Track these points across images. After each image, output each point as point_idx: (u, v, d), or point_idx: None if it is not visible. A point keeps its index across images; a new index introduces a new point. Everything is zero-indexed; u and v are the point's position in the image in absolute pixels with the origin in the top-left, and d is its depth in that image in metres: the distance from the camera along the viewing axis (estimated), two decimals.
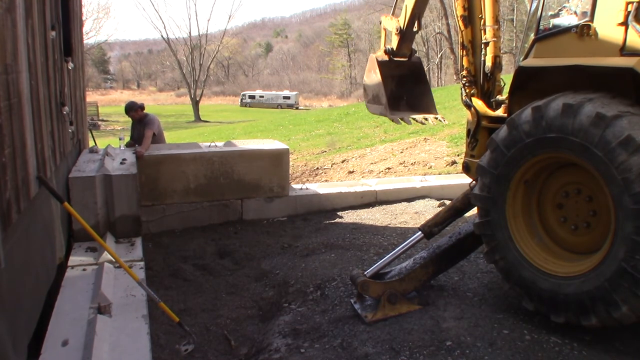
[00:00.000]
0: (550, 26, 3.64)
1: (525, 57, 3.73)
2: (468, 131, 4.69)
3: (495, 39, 4.48)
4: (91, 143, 7.43)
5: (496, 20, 4.54)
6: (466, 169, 4.63)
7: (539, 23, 3.67)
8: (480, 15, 4.59)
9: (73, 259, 4.12)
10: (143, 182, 5.70)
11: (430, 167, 9.86)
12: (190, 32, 52.60)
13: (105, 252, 3.84)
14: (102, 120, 42.86)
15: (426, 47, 54.26)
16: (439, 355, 3.19)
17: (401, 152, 11.33)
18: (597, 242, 3.25)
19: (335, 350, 3.36)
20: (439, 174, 8.77)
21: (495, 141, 3.48)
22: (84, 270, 3.88)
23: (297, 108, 55.45)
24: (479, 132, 4.48)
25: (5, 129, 2.38)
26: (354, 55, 76.51)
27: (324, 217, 6.45)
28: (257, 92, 61.45)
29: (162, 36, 51.47)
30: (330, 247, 5.21)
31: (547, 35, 3.59)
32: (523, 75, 3.67)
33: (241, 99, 60.51)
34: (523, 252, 3.47)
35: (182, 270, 4.88)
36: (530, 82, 3.68)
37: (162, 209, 6.01)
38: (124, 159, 5.51)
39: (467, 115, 4.71)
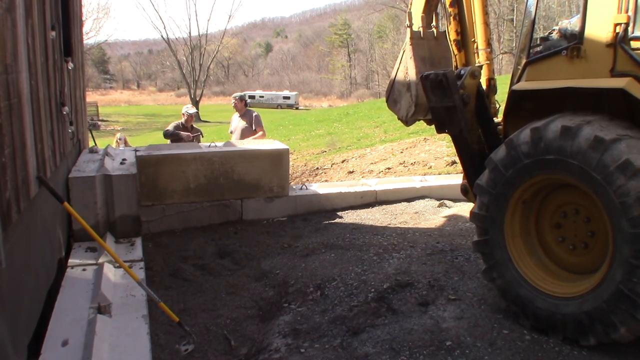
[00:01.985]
0: (541, 49, 3.67)
1: (518, 80, 3.75)
2: None
3: (488, 62, 4.55)
4: (91, 143, 7.44)
5: (488, 44, 4.63)
6: (464, 191, 4.66)
7: (529, 46, 3.69)
8: (473, 39, 4.67)
9: (73, 259, 4.12)
10: (143, 182, 5.70)
11: (430, 167, 9.86)
12: (190, 32, 52.73)
13: (105, 252, 3.84)
14: (102, 120, 42.88)
15: None
16: (439, 355, 3.19)
17: (401, 152, 11.33)
18: (595, 262, 3.28)
19: (335, 350, 3.36)
20: (439, 174, 8.77)
21: (494, 161, 3.49)
22: (84, 270, 3.88)
23: (297, 108, 55.50)
24: None
25: (5, 129, 2.38)
26: (354, 55, 76.54)
27: (324, 217, 6.45)
28: (257, 92, 61.43)
29: (162, 36, 51.58)
30: (330, 247, 5.21)
31: (538, 58, 3.61)
32: (516, 98, 3.69)
33: None
34: (521, 271, 3.48)
35: (182, 270, 4.88)
36: (523, 104, 3.70)
37: (162, 209, 6.01)
38: (124, 159, 5.51)
39: None
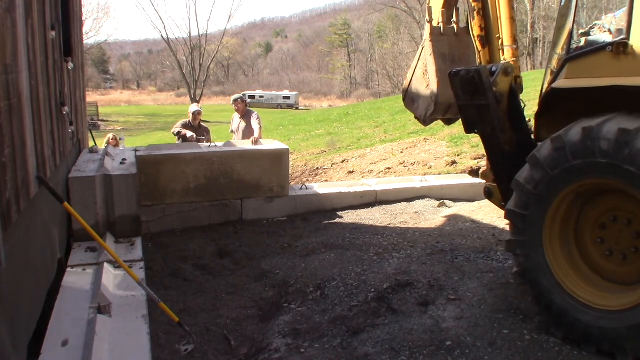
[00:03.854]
0: (583, 45, 3.48)
1: (555, 78, 3.54)
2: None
3: (514, 59, 4.29)
4: (91, 143, 7.44)
5: (514, 40, 4.38)
6: (488, 194, 4.46)
7: (570, 42, 3.49)
8: (497, 35, 4.45)
9: (73, 259, 4.12)
10: (143, 182, 5.69)
11: (430, 167, 9.86)
12: (190, 32, 52.70)
13: (105, 252, 3.84)
14: (102, 120, 42.84)
15: None
16: (439, 355, 3.19)
17: (401, 152, 11.33)
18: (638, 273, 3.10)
19: (335, 350, 3.36)
20: (439, 174, 8.77)
21: (538, 158, 3.24)
22: (84, 270, 3.88)
23: (297, 108, 55.47)
24: None
25: (5, 129, 2.38)
26: (354, 55, 76.50)
27: (323, 217, 6.45)
28: (257, 92, 61.39)
29: (162, 36, 51.53)
30: (330, 247, 5.21)
31: (580, 55, 3.39)
32: (555, 97, 3.48)
33: None
34: (558, 278, 3.28)
35: (182, 270, 4.88)
36: (559, 104, 3.51)
37: (162, 209, 6.01)
38: (124, 159, 5.51)
39: None
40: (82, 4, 9.31)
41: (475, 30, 4.58)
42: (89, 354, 2.63)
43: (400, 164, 10.40)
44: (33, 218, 3.04)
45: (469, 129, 4.14)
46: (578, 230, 3.40)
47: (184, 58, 52.24)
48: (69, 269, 3.89)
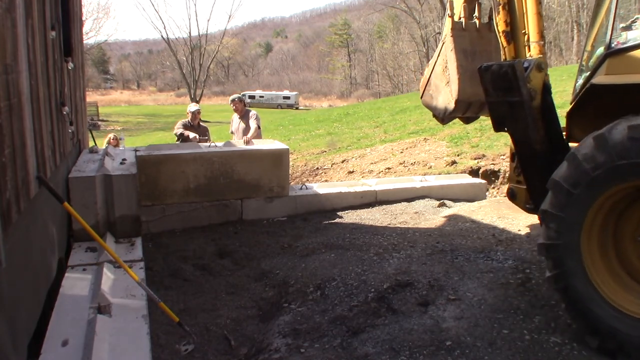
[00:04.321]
0: (625, 40, 3.34)
1: (592, 74, 3.37)
2: (512, 155, 4.38)
3: (541, 56, 4.11)
4: (91, 143, 7.44)
5: (542, 36, 4.20)
6: (511, 195, 4.33)
7: (610, 37, 3.32)
8: (523, 31, 4.28)
9: (73, 259, 4.11)
10: (143, 182, 5.69)
11: (430, 167, 9.86)
12: (190, 32, 52.74)
13: (105, 252, 3.84)
14: (102, 120, 42.86)
15: (426, 47, 54.26)
16: (439, 355, 3.19)
17: (401, 152, 11.33)
18: None
19: (335, 350, 3.36)
20: (439, 174, 8.77)
21: (578, 157, 3.03)
22: (84, 270, 3.88)
23: (297, 108, 55.49)
24: None
25: (5, 129, 2.37)
26: (354, 55, 76.53)
27: (323, 217, 6.45)
28: (257, 92, 61.44)
29: (162, 36, 51.56)
30: (330, 247, 5.21)
31: (621, 50, 3.23)
32: (591, 94, 3.32)
33: None
34: (596, 285, 3.09)
35: (182, 270, 4.88)
36: (594, 102, 3.36)
37: (162, 209, 6.01)
38: (124, 159, 5.51)
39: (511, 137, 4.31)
40: (82, 4, 9.31)
41: (500, 26, 4.41)
42: (89, 354, 2.63)
43: (400, 164, 10.40)
44: (33, 218, 3.04)
45: (498, 127, 3.96)
46: (617, 235, 3.24)
47: (184, 58, 52.27)
48: (69, 269, 3.89)
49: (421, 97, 5.41)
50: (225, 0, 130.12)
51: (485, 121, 12.89)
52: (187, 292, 4.48)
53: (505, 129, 3.91)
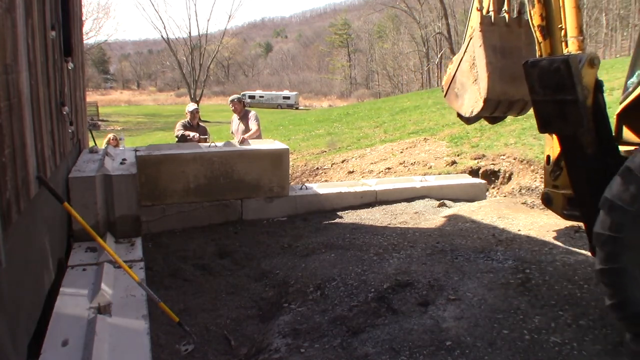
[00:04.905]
0: None
1: None
2: (547, 157, 4.21)
3: (580, 52, 3.82)
4: (91, 143, 7.44)
5: (580, 31, 3.90)
6: (547, 201, 4.14)
7: None
8: (560, 25, 4.03)
9: (73, 259, 4.11)
10: (143, 182, 5.69)
11: (430, 167, 9.86)
12: (190, 32, 52.72)
13: (105, 252, 3.84)
14: (102, 120, 42.89)
15: (426, 47, 54.29)
16: (439, 355, 3.19)
17: (401, 152, 11.33)
18: None
19: (335, 350, 3.36)
20: (439, 174, 8.77)
21: (633, 170, 2.73)
22: (84, 270, 3.88)
23: (297, 108, 55.51)
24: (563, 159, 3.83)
25: (5, 129, 2.38)
26: (354, 55, 76.57)
27: (323, 217, 6.45)
28: (257, 92, 61.46)
29: (162, 36, 51.54)
30: (330, 247, 5.21)
31: None
32: None
33: None
34: None
35: (182, 270, 4.88)
36: None
37: (162, 209, 6.01)
38: (124, 159, 5.50)
39: (545, 139, 4.21)
40: (82, 4, 9.31)
41: (535, 20, 4.14)
42: (89, 354, 2.63)
43: (400, 164, 10.40)
44: (33, 218, 3.04)
45: (544, 128, 3.67)
46: None
47: (184, 58, 52.26)
48: (69, 269, 3.89)
49: (445, 96, 5.15)
50: (225, 0, 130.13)
51: (485, 121, 12.90)
52: (187, 292, 4.48)
53: (553, 130, 3.61)
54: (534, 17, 4.17)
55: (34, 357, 2.66)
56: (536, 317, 3.50)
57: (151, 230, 5.86)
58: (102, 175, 4.76)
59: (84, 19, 15.28)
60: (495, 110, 4.77)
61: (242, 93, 62.74)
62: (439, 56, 52.07)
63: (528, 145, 9.51)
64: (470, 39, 4.74)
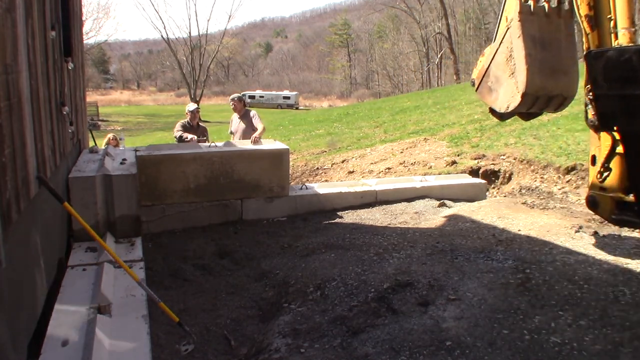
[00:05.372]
0: None
1: None
2: (593, 157, 4.00)
3: (631, 45, 3.57)
4: (91, 143, 7.44)
5: (632, 22, 3.68)
6: (592, 204, 3.94)
7: None
8: (609, 16, 3.81)
9: (73, 259, 4.11)
10: (143, 182, 5.69)
11: (430, 167, 9.86)
12: (190, 32, 52.74)
13: (105, 252, 3.84)
14: (102, 120, 42.90)
15: (426, 47, 54.30)
16: (439, 355, 3.19)
17: (401, 152, 11.33)
18: None
19: (335, 350, 3.36)
20: (439, 174, 8.77)
21: None
22: (84, 270, 3.88)
23: (297, 108, 55.52)
24: (613, 159, 3.72)
25: (5, 129, 2.38)
26: (354, 55, 76.59)
27: (324, 217, 6.45)
28: (257, 92, 61.45)
29: (162, 36, 51.54)
30: (330, 247, 5.21)
31: None
32: None
33: None
34: None
35: (182, 270, 4.89)
36: None
37: (162, 209, 6.01)
38: (124, 159, 5.51)
39: (590, 138, 3.99)
40: (82, 4, 9.31)
41: (582, 9, 3.93)
42: (89, 354, 2.63)
43: (400, 164, 10.40)
44: (33, 218, 3.04)
45: (605, 125, 3.46)
46: None
47: (184, 58, 52.26)
48: (69, 269, 3.89)
49: (476, 90, 4.86)
50: (225, 0, 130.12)
51: (485, 121, 12.92)
52: (187, 292, 4.48)
53: (618, 127, 3.36)
54: (581, 6, 3.94)
55: (34, 357, 2.66)
56: (536, 317, 3.49)
57: (151, 230, 5.86)
58: (102, 175, 4.76)
59: (84, 19, 15.28)
60: (532, 105, 4.47)
61: (242, 93, 62.82)
62: (439, 56, 52.08)
63: (528, 145, 9.52)
64: (507, 29, 4.42)
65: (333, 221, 6.29)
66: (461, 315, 3.59)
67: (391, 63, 60.27)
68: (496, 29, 4.66)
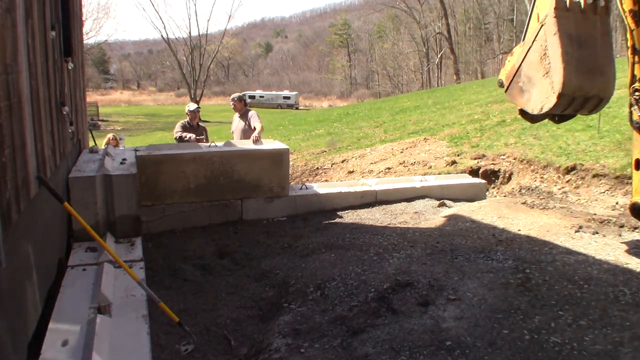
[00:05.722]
0: None
1: None
2: (637, 162, 3.85)
3: None
4: (91, 143, 7.44)
5: None
6: (637, 211, 3.76)
7: None
8: None
9: (73, 259, 4.11)
10: (143, 182, 5.69)
11: (430, 167, 9.86)
12: (190, 32, 52.75)
13: (105, 252, 3.84)
14: (102, 120, 42.91)
15: (426, 47, 54.31)
16: (439, 355, 3.19)
17: (401, 152, 11.33)
18: None
19: (335, 350, 3.36)
20: (439, 174, 8.77)
21: None
22: (84, 270, 3.88)
23: (297, 108, 55.52)
24: None
25: (5, 129, 2.38)
26: (354, 55, 76.60)
27: (324, 217, 6.45)
28: (257, 92, 61.44)
29: (162, 36, 51.55)
30: (330, 247, 5.21)
31: None
32: None
33: None
34: None
35: (182, 270, 4.89)
36: None
37: (162, 209, 6.01)
38: (124, 159, 5.51)
39: (634, 141, 3.81)
40: (82, 4, 9.31)
41: (626, 4, 3.75)
42: (89, 354, 2.63)
43: (400, 164, 10.40)
44: (33, 218, 3.04)
45: None
46: None
47: (184, 58, 52.27)
48: (69, 269, 3.89)
49: (506, 91, 4.63)
50: (225, 0, 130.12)
51: (485, 121, 12.93)
52: (187, 292, 4.47)
53: None
54: (625, 1, 3.75)
55: (34, 357, 2.66)
56: (536, 317, 3.49)
57: (151, 230, 5.86)
58: (102, 175, 4.76)
59: (84, 19, 15.28)
60: (567, 107, 4.24)
61: (242, 93, 62.75)
62: (439, 56, 52.09)
63: (528, 145, 9.52)
64: (542, 25, 4.17)
65: (333, 221, 6.29)
66: (461, 315, 3.59)
67: (391, 63, 60.29)
68: (526, 27, 4.44)
